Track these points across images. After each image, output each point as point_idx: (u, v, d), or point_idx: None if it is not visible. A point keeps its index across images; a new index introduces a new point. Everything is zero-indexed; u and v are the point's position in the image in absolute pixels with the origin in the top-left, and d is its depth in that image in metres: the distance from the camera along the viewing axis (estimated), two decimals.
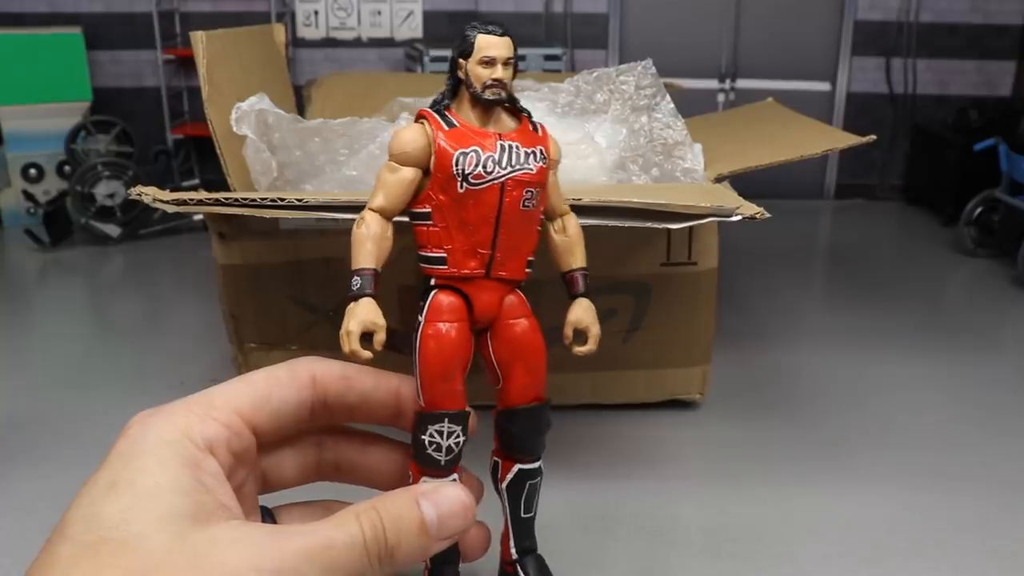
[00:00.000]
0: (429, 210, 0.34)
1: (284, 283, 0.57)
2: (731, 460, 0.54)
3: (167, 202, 0.46)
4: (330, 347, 0.58)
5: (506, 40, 0.34)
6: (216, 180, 0.66)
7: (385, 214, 0.34)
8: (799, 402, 0.63)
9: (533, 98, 0.60)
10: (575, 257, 0.37)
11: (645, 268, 0.56)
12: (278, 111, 0.57)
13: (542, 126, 0.36)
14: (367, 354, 0.31)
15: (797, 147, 0.65)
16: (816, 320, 0.84)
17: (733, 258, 1.03)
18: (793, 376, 0.68)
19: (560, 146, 0.36)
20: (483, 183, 0.33)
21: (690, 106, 0.76)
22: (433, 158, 0.33)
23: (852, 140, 0.64)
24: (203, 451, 0.28)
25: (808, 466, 0.53)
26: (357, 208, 0.44)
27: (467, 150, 0.33)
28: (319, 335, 0.58)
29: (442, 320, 0.33)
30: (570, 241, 0.37)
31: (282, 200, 0.44)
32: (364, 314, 0.32)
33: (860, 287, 0.95)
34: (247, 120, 0.57)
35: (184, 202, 0.46)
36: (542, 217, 0.36)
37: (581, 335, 0.36)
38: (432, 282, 0.34)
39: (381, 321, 0.32)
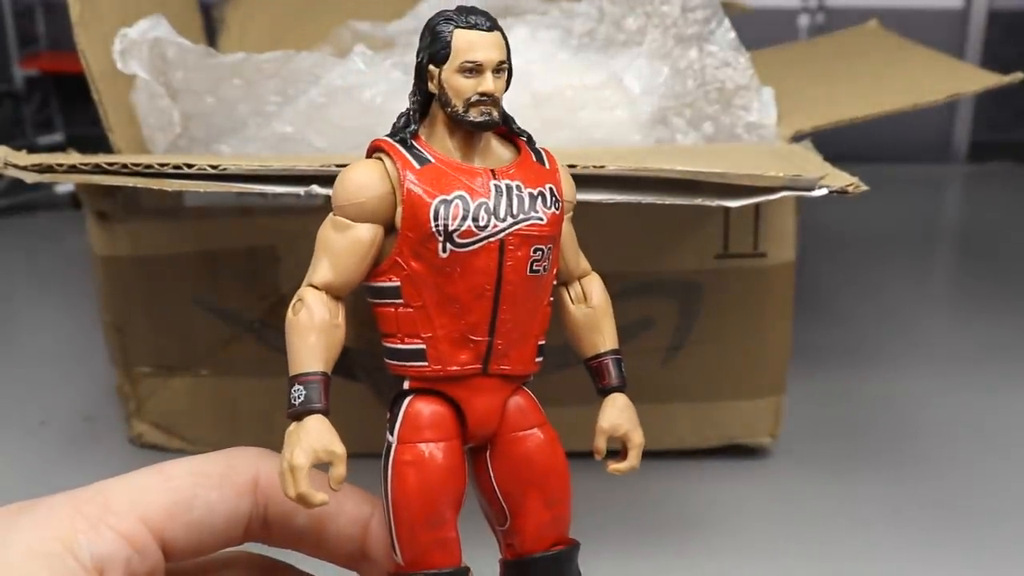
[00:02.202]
0: (397, 283, 0.33)
1: (190, 282, 0.58)
2: (814, 529, 0.56)
3: (26, 168, 0.48)
4: (256, 371, 0.60)
5: (495, 37, 0.33)
6: (90, 136, 0.68)
7: (333, 292, 0.33)
8: (911, 448, 0.65)
9: (538, 25, 0.62)
10: (603, 336, 0.37)
11: (693, 262, 0.58)
12: (181, 40, 0.59)
13: (548, 154, 0.35)
14: (321, 498, 0.30)
15: (911, 91, 0.66)
16: (936, 334, 0.86)
17: (818, 248, 1.04)
18: (903, 412, 0.70)
19: (574, 186, 0.36)
20: (474, 242, 0.32)
21: (760, 34, 0.78)
22: (400, 210, 0.32)
23: (990, 80, 0.66)
24: (90, 573, 0.28)
25: (925, 538, 0.55)
26: (293, 179, 0.46)
27: (449, 196, 0.32)
28: (240, 354, 0.60)
29: (424, 439, 0.33)
30: (595, 314, 0.37)
31: (189, 166, 0.46)
32: (314, 440, 0.31)
33: (1001, 288, 0.97)
34: (137, 53, 0.58)
35: (50, 168, 0.47)
36: (554, 283, 0.36)
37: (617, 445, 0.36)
38: (406, 384, 0.34)
39: (340, 449, 0.31)
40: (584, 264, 0.38)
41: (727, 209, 0.50)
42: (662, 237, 0.57)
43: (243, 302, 0.58)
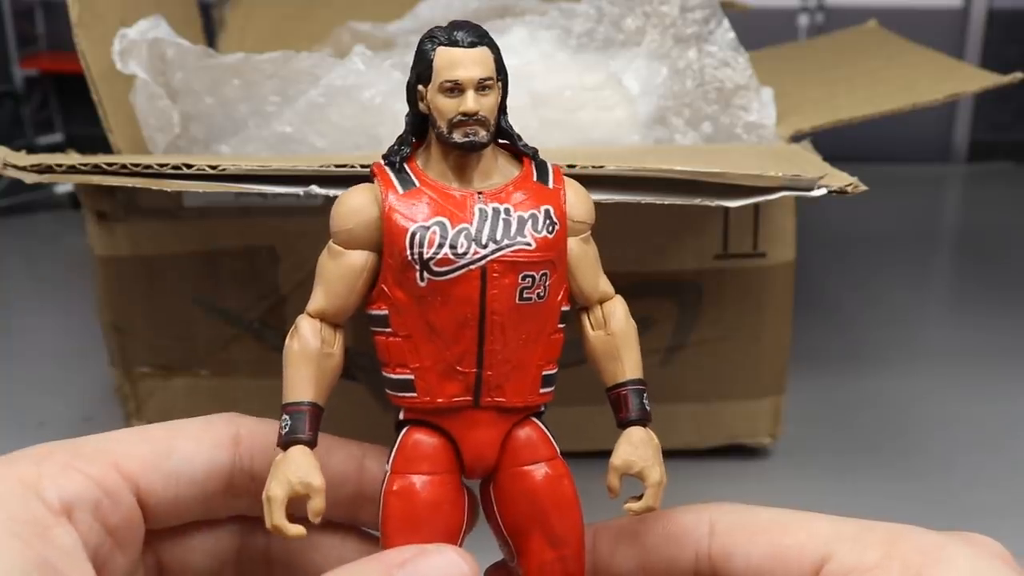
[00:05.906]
0: (386, 312, 0.32)
1: (190, 282, 0.58)
2: None
3: (25, 168, 0.48)
4: (255, 371, 0.61)
5: (479, 52, 0.32)
6: (90, 136, 0.68)
7: (328, 319, 0.33)
8: (912, 448, 0.65)
9: (537, 25, 0.62)
10: (623, 364, 0.35)
11: (693, 262, 0.58)
12: (180, 41, 0.59)
13: (557, 171, 0.34)
14: (296, 530, 0.30)
15: (910, 91, 0.66)
16: (936, 334, 0.86)
17: (817, 248, 1.05)
18: (903, 412, 0.70)
19: (590, 204, 0.34)
20: (452, 271, 0.31)
21: (759, 34, 0.78)
22: (383, 235, 0.32)
23: (990, 80, 0.66)
24: (56, 514, 0.27)
25: None
26: (293, 179, 0.46)
27: (428, 223, 0.31)
28: (240, 355, 0.60)
29: (415, 471, 0.32)
30: (614, 341, 0.35)
31: (188, 167, 0.46)
32: (293, 472, 0.30)
33: (1000, 288, 0.97)
34: (136, 53, 0.58)
35: (50, 168, 0.47)
36: (565, 309, 0.34)
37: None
38: (401, 415, 0.33)
39: (317, 481, 0.30)
40: (605, 287, 0.35)
41: (727, 209, 0.51)
42: (662, 237, 0.57)
43: (243, 302, 0.58)
